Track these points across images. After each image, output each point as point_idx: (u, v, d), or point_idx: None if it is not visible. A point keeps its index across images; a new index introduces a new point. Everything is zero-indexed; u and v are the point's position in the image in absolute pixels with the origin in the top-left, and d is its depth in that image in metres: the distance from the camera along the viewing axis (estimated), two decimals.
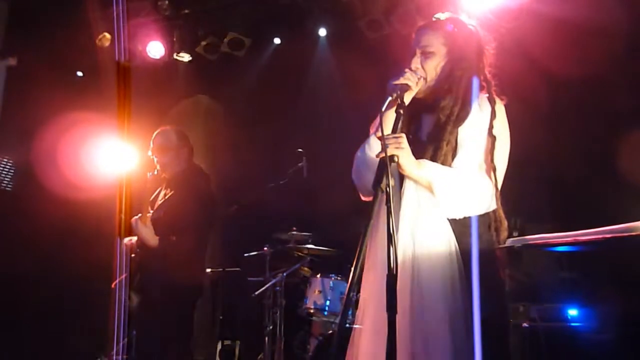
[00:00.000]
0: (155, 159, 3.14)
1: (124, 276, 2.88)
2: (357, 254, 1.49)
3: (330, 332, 3.70)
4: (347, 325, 3.45)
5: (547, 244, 1.48)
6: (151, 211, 3.06)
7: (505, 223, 1.87)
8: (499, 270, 1.84)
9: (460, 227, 1.82)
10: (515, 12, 3.59)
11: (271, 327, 3.94)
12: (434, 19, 2.02)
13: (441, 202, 1.80)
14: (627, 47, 3.37)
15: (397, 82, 1.86)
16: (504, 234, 1.86)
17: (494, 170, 1.85)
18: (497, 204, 1.85)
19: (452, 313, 1.74)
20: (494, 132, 1.87)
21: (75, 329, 4.30)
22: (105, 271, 3.00)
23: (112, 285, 2.89)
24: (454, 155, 1.87)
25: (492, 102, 1.91)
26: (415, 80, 1.89)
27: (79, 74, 4.86)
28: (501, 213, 1.87)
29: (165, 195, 3.14)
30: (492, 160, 1.85)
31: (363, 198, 1.94)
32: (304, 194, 4.30)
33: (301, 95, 4.73)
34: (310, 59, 4.68)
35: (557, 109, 3.72)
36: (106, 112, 3.19)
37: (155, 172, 3.14)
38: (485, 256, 1.78)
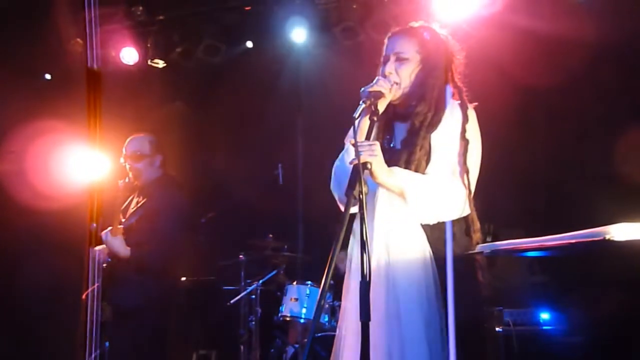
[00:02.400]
0: (128, 167, 3.10)
1: (95, 286, 2.82)
2: (328, 262, 1.49)
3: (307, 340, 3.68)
4: (324, 331, 3.46)
5: (514, 249, 1.50)
6: (123, 220, 3.01)
7: (477, 225, 1.88)
8: (476, 275, 1.84)
9: (436, 232, 1.83)
10: (488, 21, 3.65)
11: (247, 336, 3.91)
12: (408, 26, 2.04)
13: (413, 208, 1.81)
14: (593, 56, 3.47)
15: (370, 89, 1.86)
16: (477, 235, 1.87)
17: (467, 173, 1.87)
18: (470, 207, 1.87)
19: (428, 319, 1.75)
20: (467, 136, 1.89)
21: (45, 341, 4.19)
22: (76, 282, 2.93)
23: (83, 297, 2.83)
24: (427, 161, 1.88)
25: (463, 107, 1.93)
26: (389, 87, 1.89)
27: (47, 76, 4.75)
28: (474, 216, 1.88)
29: (137, 203, 3.09)
30: (464, 164, 1.87)
31: (342, 207, 1.92)
32: (280, 201, 4.29)
33: (277, 101, 4.72)
34: (286, 64, 4.69)
35: (528, 116, 3.80)
36: (76, 118, 3.13)
37: (127, 180, 3.09)
38: (463, 261, 1.79)
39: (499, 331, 2.64)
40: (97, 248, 2.96)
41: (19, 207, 3.97)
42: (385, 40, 2.01)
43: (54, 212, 3.89)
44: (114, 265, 2.94)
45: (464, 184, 1.87)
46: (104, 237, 2.89)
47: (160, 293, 2.94)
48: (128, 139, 3.14)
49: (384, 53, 1.99)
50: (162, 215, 2.96)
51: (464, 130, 1.90)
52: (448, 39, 2.02)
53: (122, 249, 2.87)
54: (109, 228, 2.89)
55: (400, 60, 1.94)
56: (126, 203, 3.13)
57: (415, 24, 2.04)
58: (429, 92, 1.93)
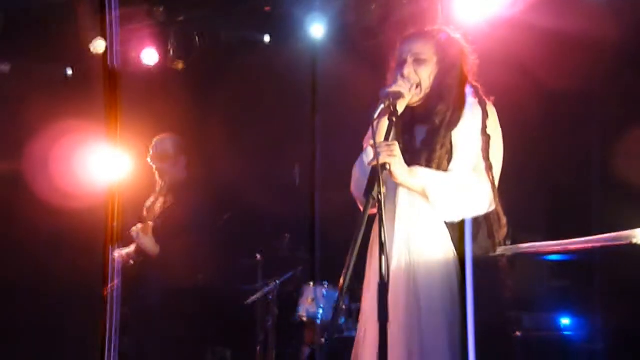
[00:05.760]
0: (154, 167, 3.18)
1: (115, 283, 2.87)
2: (347, 263, 1.49)
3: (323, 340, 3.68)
4: (342, 334, 3.45)
5: (537, 252, 1.49)
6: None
7: (504, 220, 1.88)
8: (498, 278, 1.84)
9: (459, 232, 1.83)
10: (508, 22, 3.62)
11: (263, 336, 3.92)
12: (422, 29, 2.06)
13: (436, 206, 1.81)
14: (617, 58, 3.41)
15: (390, 89, 1.87)
16: (503, 231, 1.87)
17: (491, 168, 1.88)
18: (495, 202, 1.87)
19: (452, 320, 1.75)
20: (488, 131, 1.90)
21: (67, 338, 4.26)
22: (96, 281, 2.98)
23: (104, 293, 2.88)
24: (449, 159, 1.89)
25: (482, 104, 1.95)
26: (408, 87, 1.90)
27: (69, 72, 4.80)
28: (500, 211, 1.89)
29: (164, 203, 3.16)
30: (487, 159, 1.88)
31: (362, 208, 1.94)
32: (298, 201, 4.29)
33: (295, 101, 4.73)
34: (304, 65, 4.69)
35: (549, 118, 3.75)
36: (98, 119, 3.19)
37: (157, 179, 3.16)
38: (486, 263, 1.79)
39: (517, 336, 2.60)
40: (124, 251, 3.02)
41: (40, 206, 4.03)
42: (398, 43, 2.02)
43: (74, 211, 3.95)
44: (141, 263, 3.00)
45: (489, 179, 1.86)
46: (134, 235, 2.95)
47: (179, 293, 2.98)
48: (155, 139, 3.22)
49: (398, 55, 2.00)
50: (185, 217, 3.03)
51: (484, 126, 1.91)
52: (461, 41, 2.05)
53: (153, 247, 2.94)
54: (139, 226, 2.94)
55: (419, 61, 1.95)
56: (152, 202, 3.19)
57: (429, 28, 2.06)
58: (447, 92, 1.95)
